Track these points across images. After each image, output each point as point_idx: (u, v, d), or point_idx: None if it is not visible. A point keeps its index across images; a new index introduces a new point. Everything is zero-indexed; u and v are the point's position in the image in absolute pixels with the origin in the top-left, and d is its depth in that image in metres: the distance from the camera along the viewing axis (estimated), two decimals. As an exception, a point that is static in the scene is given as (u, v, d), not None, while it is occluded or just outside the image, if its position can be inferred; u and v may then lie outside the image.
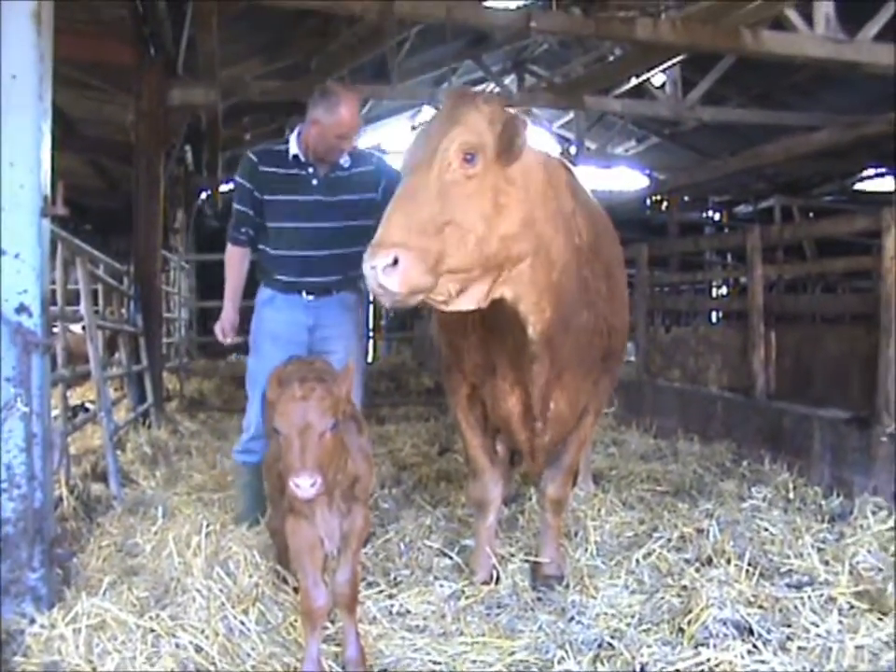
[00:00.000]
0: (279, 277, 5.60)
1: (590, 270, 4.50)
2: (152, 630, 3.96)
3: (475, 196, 3.84)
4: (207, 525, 5.12)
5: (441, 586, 4.86)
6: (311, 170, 5.49)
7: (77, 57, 10.19)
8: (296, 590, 4.41)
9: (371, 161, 5.67)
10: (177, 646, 3.91)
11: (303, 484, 3.35)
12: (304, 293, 5.57)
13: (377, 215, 4.56)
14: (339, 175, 5.52)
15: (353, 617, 3.93)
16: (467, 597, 4.74)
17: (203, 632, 4.01)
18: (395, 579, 5.03)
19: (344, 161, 5.52)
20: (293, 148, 5.46)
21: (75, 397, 10.37)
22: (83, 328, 7.17)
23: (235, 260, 5.78)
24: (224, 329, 5.79)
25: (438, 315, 5.07)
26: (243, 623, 4.13)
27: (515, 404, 4.66)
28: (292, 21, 12.56)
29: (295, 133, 5.54)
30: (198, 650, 3.89)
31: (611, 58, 15.76)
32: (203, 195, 20.83)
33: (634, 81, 15.03)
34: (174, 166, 15.74)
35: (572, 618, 4.43)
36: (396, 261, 3.57)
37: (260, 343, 5.68)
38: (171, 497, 6.60)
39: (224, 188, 21.54)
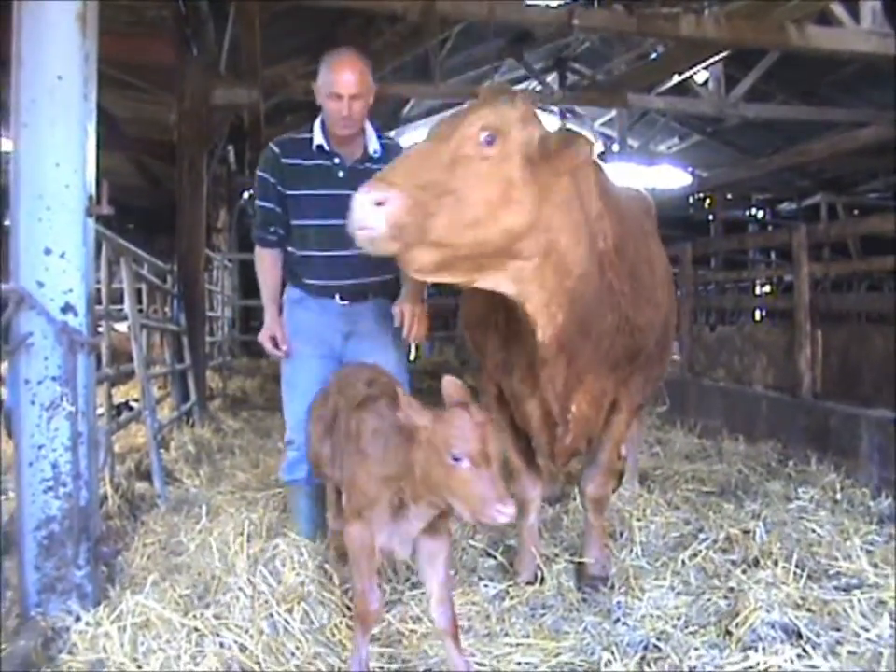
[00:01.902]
0: (308, 280, 5.25)
1: (614, 272, 4.43)
2: (196, 629, 3.94)
3: (485, 178, 3.76)
4: (250, 524, 5.13)
5: (486, 586, 4.83)
6: (337, 160, 5.08)
7: (121, 57, 10.22)
8: (346, 591, 4.42)
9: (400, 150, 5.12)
10: (221, 645, 3.89)
11: (509, 512, 3.20)
12: (338, 297, 5.23)
13: None
14: (367, 167, 4.96)
15: (458, 646, 3.77)
16: (511, 598, 4.71)
17: (247, 631, 3.99)
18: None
19: (374, 150, 5.13)
20: (317, 137, 5.07)
21: (119, 395, 10.44)
22: (128, 326, 7.20)
23: (268, 264, 5.32)
24: (277, 337, 5.20)
25: (463, 314, 5.14)
26: (287, 623, 4.10)
27: (535, 407, 4.63)
28: (334, 21, 12.57)
29: (318, 119, 5.12)
30: (242, 649, 3.88)
31: (654, 55, 15.67)
32: (246, 194, 20.92)
33: (676, 78, 14.94)
34: (216, 166, 15.82)
35: (618, 619, 4.38)
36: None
37: (293, 344, 5.28)
38: (214, 495, 6.60)
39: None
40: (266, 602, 4.21)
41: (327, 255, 5.11)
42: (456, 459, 3.25)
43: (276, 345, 5.21)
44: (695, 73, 14.70)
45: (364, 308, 5.28)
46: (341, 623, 4.21)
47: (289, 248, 5.27)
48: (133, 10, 9.75)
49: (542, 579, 4.94)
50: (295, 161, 5.08)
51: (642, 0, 10.60)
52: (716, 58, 13.59)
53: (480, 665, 3.98)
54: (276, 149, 5.12)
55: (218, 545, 4.89)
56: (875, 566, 4.88)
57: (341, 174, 5.07)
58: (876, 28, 9.79)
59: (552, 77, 19.61)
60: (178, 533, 5.43)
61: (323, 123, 5.07)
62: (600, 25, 10.50)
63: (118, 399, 9.54)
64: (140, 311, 8.90)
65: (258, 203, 5.24)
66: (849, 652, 3.90)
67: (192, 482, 7.15)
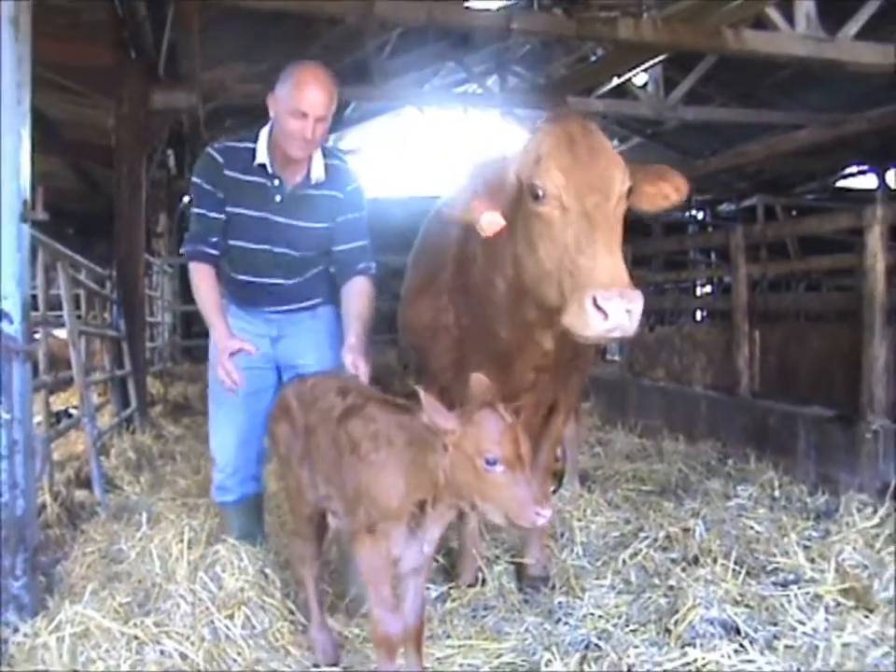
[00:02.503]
0: (234, 298, 4.91)
1: None
2: (136, 637, 3.92)
3: None
4: (190, 531, 5.08)
5: (427, 589, 4.83)
6: (276, 182, 4.60)
7: (58, 60, 10.11)
8: (287, 595, 4.41)
9: (346, 187, 4.72)
10: (162, 653, 3.88)
11: (547, 514, 3.12)
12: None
13: (322, 247, 4.72)
14: (308, 194, 4.64)
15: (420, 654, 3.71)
16: (453, 600, 4.75)
17: (188, 638, 3.98)
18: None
19: (317, 175, 4.62)
20: (261, 154, 4.56)
21: (59, 402, 10.35)
22: (66, 333, 7.13)
23: (208, 279, 4.64)
24: (227, 369, 4.32)
25: (406, 317, 5.13)
26: (228, 629, 4.09)
27: None
28: (273, 24, 12.53)
29: (265, 132, 4.60)
30: (183, 656, 3.87)
31: (593, 58, 15.78)
32: (186, 199, 20.80)
33: (616, 81, 15.04)
34: (156, 170, 15.69)
35: (559, 619, 4.43)
36: None
37: (215, 357, 4.63)
38: (155, 502, 6.56)
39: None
40: (207, 609, 4.19)
41: (254, 281, 4.77)
42: (490, 464, 3.13)
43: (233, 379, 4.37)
44: (634, 76, 14.78)
45: (294, 311, 4.94)
46: (282, 627, 4.22)
47: (222, 265, 4.83)
48: (68, 13, 9.65)
49: (483, 580, 4.97)
50: (235, 173, 4.59)
51: (581, 4, 10.69)
52: (654, 61, 13.69)
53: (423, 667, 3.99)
54: (219, 158, 4.60)
55: (159, 552, 4.84)
56: (812, 561, 4.95)
57: (278, 198, 4.61)
58: (811, 32, 9.90)
59: (492, 80, 19.64)
60: (119, 541, 5.38)
61: (269, 137, 4.57)
62: (539, 29, 10.52)
63: (57, 407, 9.46)
64: (79, 317, 8.81)
65: (195, 211, 4.65)
66: (786, 647, 3.97)
67: (133, 489, 7.10)
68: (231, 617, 4.15)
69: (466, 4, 11.49)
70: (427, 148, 23.18)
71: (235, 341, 4.39)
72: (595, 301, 3.43)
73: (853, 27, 10.12)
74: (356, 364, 4.24)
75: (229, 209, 4.62)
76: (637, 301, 3.45)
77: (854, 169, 20.47)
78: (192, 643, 3.94)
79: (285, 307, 4.87)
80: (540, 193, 3.78)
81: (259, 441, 4.97)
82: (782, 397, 7.89)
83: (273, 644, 4.12)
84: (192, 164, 16.82)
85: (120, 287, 10.09)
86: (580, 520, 5.85)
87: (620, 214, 3.84)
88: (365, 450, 3.56)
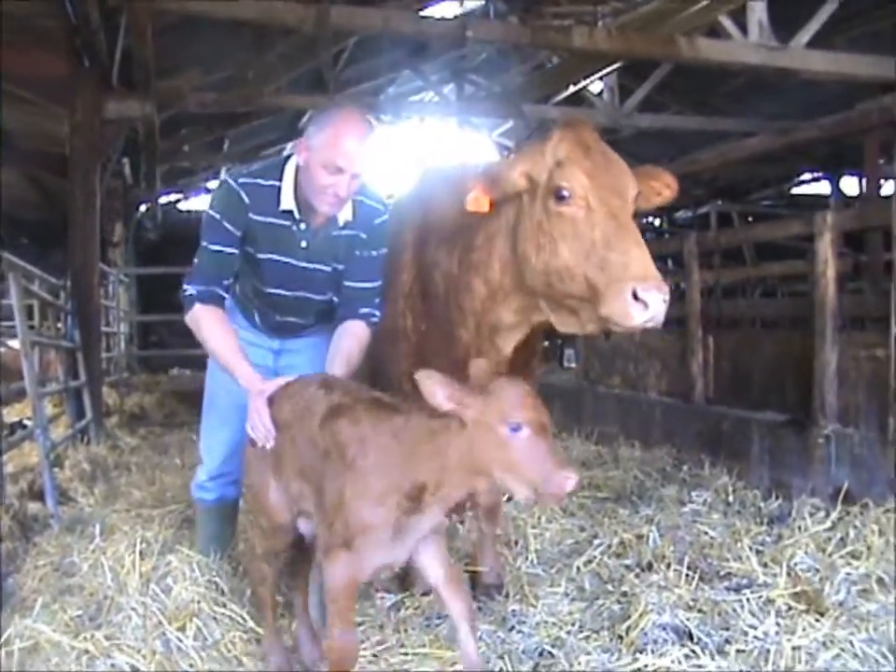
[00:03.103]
0: (244, 311, 4.73)
1: None
2: (87, 651, 3.91)
3: None
4: (143, 542, 5.05)
5: (381, 598, 4.84)
6: (303, 226, 4.30)
7: (10, 69, 10.04)
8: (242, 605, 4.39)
9: (372, 222, 4.43)
10: (113, 666, 3.87)
11: (575, 478, 3.02)
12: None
13: (337, 286, 4.51)
14: (332, 236, 4.36)
15: (475, 636, 3.57)
16: (407, 608, 4.73)
17: (139, 651, 3.96)
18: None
19: (346, 219, 4.33)
20: (286, 200, 4.24)
21: (13, 414, 10.26)
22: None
23: (222, 325, 4.24)
24: (264, 420, 3.88)
25: None
26: (180, 640, 4.07)
27: None
28: (228, 33, 12.49)
29: (291, 166, 4.27)
30: (134, 669, 3.85)
31: (549, 66, 15.86)
32: (143, 208, 20.69)
33: (572, 89, 15.12)
34: (111, 179, 15.61)
35: (512, 627, 4.42)
36: None
37: (216, 365, 4.56)
38: (109, 514, 6.49)
39: (163, 199, 21.44)
40: (158, 621, 4.17)
41: (268, 312, 4.61)
42: (515, 430, 3.06)
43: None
44: (590, 83, 14.87)
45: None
46: (235, 637, 4.19)
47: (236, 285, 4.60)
48: (20, 21, 9.57)
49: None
50: (261, 216, 4.26)
51: (536, 12, 10.74)
52: (609, 69, 13.77)
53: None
54: (245, 199, 4.24)
55: (111, 565, 4.83)
56: (765, 565, 5.00)
57: (304, 243, 4.33)
58: (764, 41, 10.01)
59: (448, 89, 19.70)
60: (71, 553, 5.33)
61: (296, 179, 4.24)
62: (494, 37, 10.60)
63: (11, 418, 9.38)
64: (32, 327, 8.74)
65: (209, 247, 4.26)
66: (737, 651, 4.01)
67: (87, 501, 7.04)
68: (182, 629, 4.13)
69: (421, 12, 11.53)
70: (385, 156, 23.15)
71: (270, 383, 4.03)
72: (635, 293, 3.64)
73: (805, 36, 10.25)
74: None
75: (248, 250, 4.33)
76: (668, 293, 3.69)
77: (808, 176, 20.68)
78: (143, 656, 3.93)
79: (287, 334, 4.74)
80: (566, 194, 3.93)
81: None
82: (736, 402, 7.95)
83: (226, 655, 4.08)
84: (148, 174, 16.81)
85: (75, 297, 10.02)
86: (534, 527, 5.86)
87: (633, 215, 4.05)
88: (353, 455, 3.38)
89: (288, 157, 4.33)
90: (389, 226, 4.61)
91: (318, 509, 3.54)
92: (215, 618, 4.31)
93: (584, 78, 14.41)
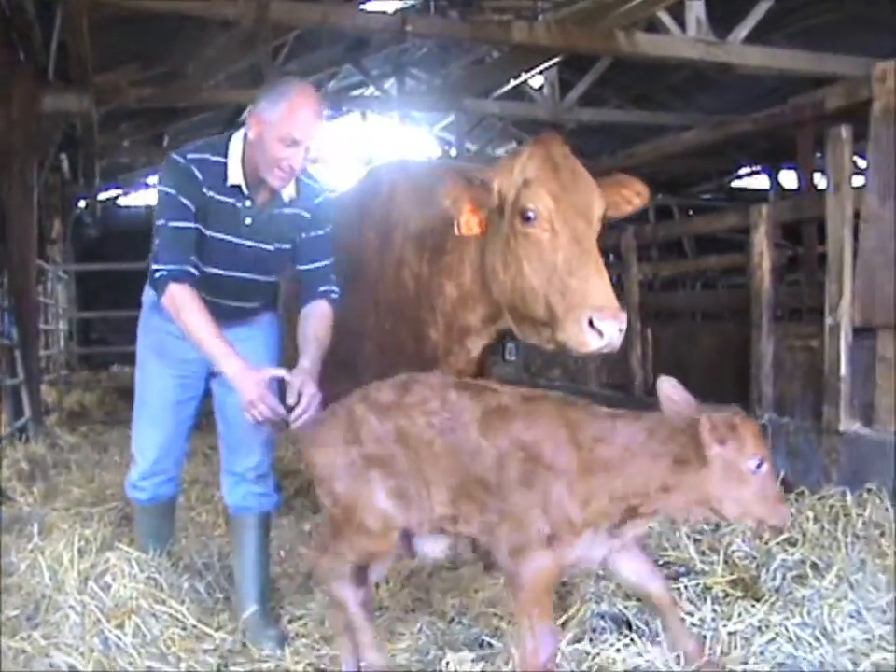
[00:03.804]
0: None
1: None
2: (24, 651, 3.88)
3: None
4: (81, 540, 5.00)
5: (322, 591, 4.83)
6: (248, 203, 4.22)
7: (-58, 63, 9.91)
8: (183, 602, 4.37)
9: (313, 203, 4.40)
10: (51, 665, 3.84)
11: (790, 509, 3.23)
12: None
13: (285, 269, 4.53)
14: (273, 214, 4.30)
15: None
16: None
17: (77, 649, 3.94)
18: (274, 585, 4.99)
19: (290, 196, 4.30)
20: (234, 175, 4.16)
21: (-51, 413, 10.13)
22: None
23: (199, 306, 4.09)
24: (272, 406, 3.90)
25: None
26: (119, 638, 4.05)
27: None
28: (167, 27, 12.39)
29: (237, 140, 4.21)
30: (72, 668, 3.83)
31: (489, 61, 15.91)
32: (82, 204, 20.47)
33: (512, 83, 15.16)
34: (48, 175, 15.41)
35: (452, 619, 4.43)
36: None
37: (147, 362, 4.58)
38: (48, 512, 6.42)
39: (103, 195, 21.22)
40: (97, 619, 4.14)
41: (211, 301, 4.25)
42: (756, 466, 3.21)
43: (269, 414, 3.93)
44: (530, 78, 14.92)
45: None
46: (174, 634, 4.17)
47: None
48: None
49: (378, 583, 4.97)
50: (213, 192, 4.17)
51: (476, 7, 10.76)
52: (550, 63, 13.82)
53: (315, 669, 4.00)
54: (197, 174, 4.14)
55: (49, 563, 4.75)
56: (703, 553, 5.03)
57: (248, 220, 4.25)
58: (702, 36, 10.11)
59: (389, 83, 19.70)
60: (9, 553, 5.25)
61: (244, 154, 4.18)
62: (434, 31, 10.64)
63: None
64: (-33, 325, 8.64)
65: (170, 224, 4.11)
66: (676, 638, 4.03)
67: (25, 500, 6.96)
68: (121, 626, 4.10)
69: (361, 6, 11.51)
70: (326, 151, 23.04)
71: (265, 371, 4.01)
72: (591, 321, 3.81)
73: (742, 31, 10.37)
74: (303, 388, 3.91)
75: (199, 226, 4.19)
76: (625, 322, 3.87)
77: (748, 170, 20.90)
78: (82, 654, 3.91)
79: (227, 319, 4.34)
80: (531, 216, 4.04)
81: (181, 447, 4.80)
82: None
83: (164, 651, 4.07)
84: (87, 169, 16.60)
85: (12, 294, 9.89)
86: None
87: (597, 235, 4.15)
88: (551, 456, 3.37)
89: (231, 134, 4.28)
90: (345, 219, 4.69)
91: (494, 515, 3.44)
92: (154, 615, 4.28)
93: (525, 73, 14.44)
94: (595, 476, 3.33)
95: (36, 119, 10.62)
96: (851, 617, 4.23)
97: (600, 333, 3.82)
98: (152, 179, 21.85)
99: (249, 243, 4.28)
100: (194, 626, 4.29)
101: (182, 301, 4.06)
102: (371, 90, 19.21)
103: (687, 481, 3.27)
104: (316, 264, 4.46)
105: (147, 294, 4.58)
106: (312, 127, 4.03)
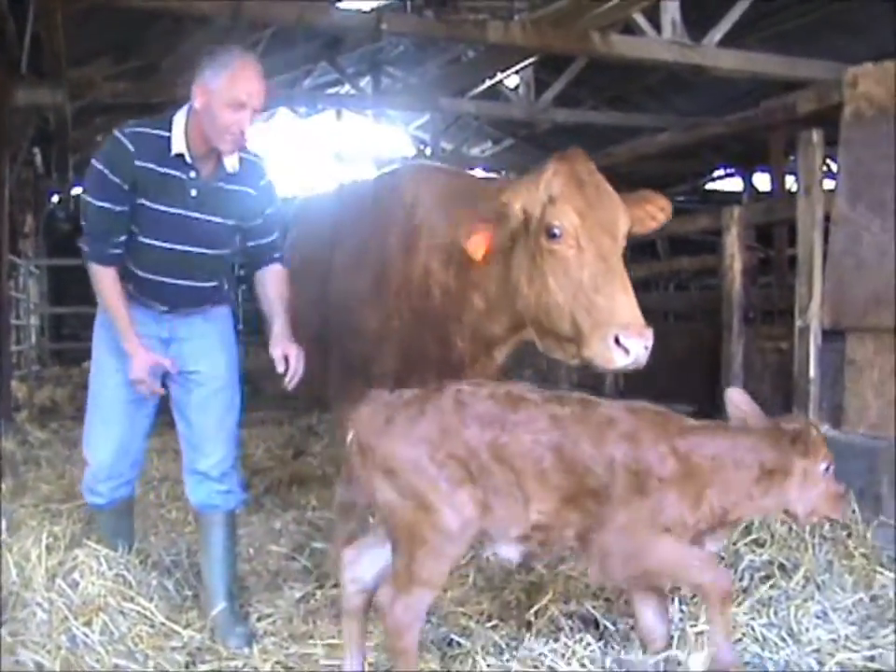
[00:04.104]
0: (129, 293, 4.42)
1: None
2: (-10, 647, 3.86)
3: None
4: (49, 537, 4.94)
5: (291, 588, 4.85)
6: (192, 174, 4.29)
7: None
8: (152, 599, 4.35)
9: (259, 182, 4.53)
10: (17, 663, 3.82)
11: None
12: (158, 305, 4.50)
13: (232, 246, 4.61)
14: (220, 187, 4.38)
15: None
16: (316, 600, 4.74)
17: (44, 646, 3.93)
18: (242, 583, 4.99)
19: (232, 165, 4.37)
20: (178, 144, 4.23)
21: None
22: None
23: (113, 283, 4.32)
24: (150, 385, 4.35)
25: (353, 327, 5.01)
26: (86, 636, 4.04)
27: None
28: (142, 21, 12.34)
29: (181, 115, 4.26)
30: (39, 666, 3.82)
31: (465, 60, 15.92)
32: (55, 198, 20.35)
33: (488, 83, 15.17)
34: (21, 169, 15.32)
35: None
36: None
37: (101, 360, 4.61)
38: (17, 509, 6.37)
39: (76, 190, 21.09)
40: (64, 616, 4.12)
41: (154, 279, 4.41)
42: (827, 470, 3.51)
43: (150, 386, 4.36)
44: (506, 77, 14.93)
45: (187, 312, 4.60)
46: (141, 631, 4.16)
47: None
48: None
49: None
50: (149, 164, 4.21)
51: (451, 6, 10.77)
52: (525, 63, 13.83)
53: (284, 667, 3.99)
54: (130, 146, 4.19)
55: (17, 560, 4.71)
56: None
57: (193, 192, 4.31)
58: (677, 38, 10.14)
59: (365, 81, 19.66)
60: (-24, 550, 5.25)
61: (187, 126, 4.25)
62: (409, 30, 10.60)
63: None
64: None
65: (97, 203, 4.24)
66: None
67: (-7, 496, 6.92)
68: (88, 623, 4.09)
69: (337, 4, 11.50)
70: (301, 150, 22.97)
71: (153, 355, 4.33)
72: (617, 339, 3.87)
73: (717, 34, 10.40)
74: (286, 355, 4.30)
75: (139, 202, 4.25)
76: (650, 338, 3.91)
77: (722, 172, 20.98)
78: (49, 651, 3.90)
79: (183, 308, 4.53)
80: (557, 232, 4.08)
81: (138, 448, 4.73)
82: (645, 394, 8.02)
83: (132, 649, 4.05)
84: (60, 164, 16.50)
85: (-18, 289, 9.85)
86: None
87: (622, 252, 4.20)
88: (660, 468, 3.51)
89: (174, 110, 4.33)
90: (360, 216, 5.01)
91: (601, 525, 3.53)
92: (122, 612, 4.26)
93: (501, 72, 14.46)
94: (693, 485, 3.47)
95: (9, 112, 10.55)
96: (818, 617, 4.29)
97: (626, 350, 3.88)
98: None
99: (196, 214, 4.34)
100: (162, 624, 4.28)
101: (101, 281, 4.32)
102: (346, 88, 19.15)
103: (771, 488, 3.46)
104: (266, 239, 4.68)
105: None
106: (256, 90, 4.14)
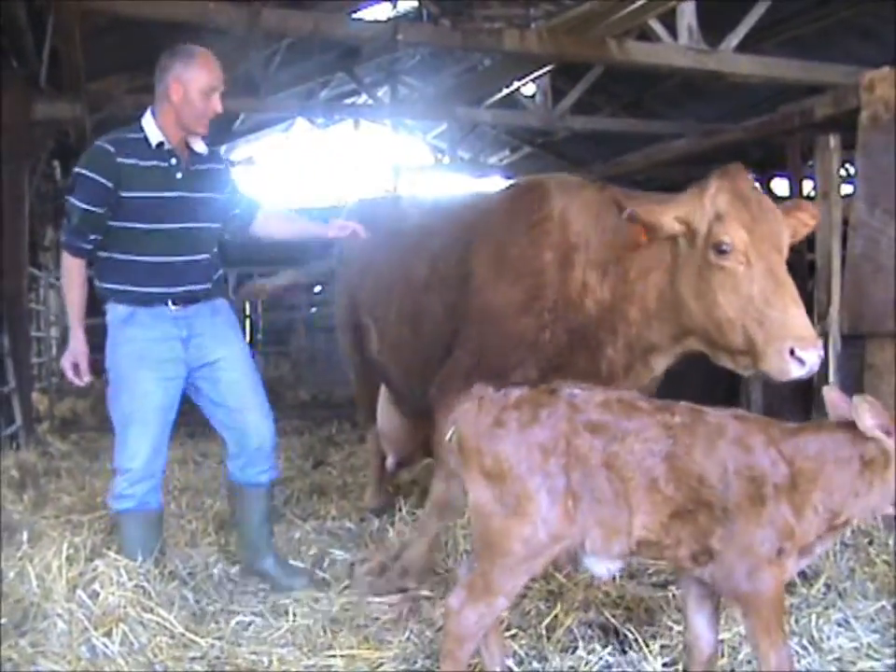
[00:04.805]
0: (137, 289, 4.89)
1: None
2: (10, 659, 3.88)
3: None
4: (70, 548, 4.95)
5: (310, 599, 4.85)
6: (174, 161, 4.86)
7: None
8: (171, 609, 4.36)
9: (221, 158, 5.37)
10: (38, 673, 3.83)
11: None
12: (170, 303, 4.92)
13: (221, 217, 5.18)
14: (199, 168, 4.99)
15: None
16: (336, 611, 4.73)
17: (65, 657, 3.94)
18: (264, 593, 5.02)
19: (202, 149, 5.01)
20: (155, 135, 4.80)
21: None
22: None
23: (78, 276, 4.91)
24: (79, 366, 4.94)
25: (501, 331, 4.98)
26: (106, 646, 4.04)
27: None
28: (160, 35, 12.37)
29: (148, 116, 4.86)
30: (59, 676, 3.83)
31: (481, 69, 15.92)
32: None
33: (505, 91, 15.17)
34: (41, 182, 15.40)
35: (440, 628, 4.42)
36: None
37: (127, 371, 4.92)
38: (38, 520, 6.41)
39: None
40: (84, 627, 4.13)
41: (158, 261, 4.87)
42: None
43: (78, 372, 4.95)
44: (523, 86, 14.92)
45: (196, 310, 5.01)
46: (161, 642, 4.15)
47: (110, 254, 4.91)
48: (-57, 21, 9.44)
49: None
50: (131, 160, 4.76)
51: (467, 15, 10.78)
52: (542, 71, 13.83)
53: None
54: (110, 148, 4.75)
55: (38, 571, 4.73)
56: (691, 561, 5.04)
57: (179, 175, 4.89)
58: (693, 44, 10.11)
59: (382, 91, 19.68)
60: (-2, 561, 5.27)
61: (158, 122, 4.84)
62: (425, 40, 10.63)
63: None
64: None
65: (78, 204, 4.76)
66: (662, 647, 4.03)
67: (15, 507, 6.94)
68: (108, 634, 4.09)
69: (354, 14, 11.52)
70: (320, 160, 23.01)
71: (80, 358, 4.95)
72: (792, 351, 3.97)
73: (734, 40, 10.36)
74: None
75: (126, 195, 4.75)
76: (821, 349, 4.05)
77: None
78: (69, 662, 3.91)
79: (182, 287, 4.95)
80: (727, 248, 4.13)
81: (165, 452, 5.12)
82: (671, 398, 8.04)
83: (152, 660, 4.05)
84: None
85: (3, 301, 9.88)
86: (463, 527, 5.86)
87: None
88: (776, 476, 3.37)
89: (140, 116, 4.92)
90: (501, 227, 5.15)
91: (717, 539, 3.39)
92: (142, 623, 4.26)
93: (517, 81, 14.45)
94: (801, 489, 3.37)
95: (28, 126, 10.61)
96: (839, 625, 4.26)
97: (801, 362, 3.97)
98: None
99: (186, 194, 4.91)
100: (182, 634, 4.27)
101: (70, 269, 4.92)
102: (363, 98, 19.20)
103: (874, 482, 3.34)
104: (244, 200, 5.35)
105: (116, 310, 4.98)
106: (220, 73, 4.83)
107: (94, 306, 5.05)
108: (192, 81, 4.73)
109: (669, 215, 4.27)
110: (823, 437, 3.45)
